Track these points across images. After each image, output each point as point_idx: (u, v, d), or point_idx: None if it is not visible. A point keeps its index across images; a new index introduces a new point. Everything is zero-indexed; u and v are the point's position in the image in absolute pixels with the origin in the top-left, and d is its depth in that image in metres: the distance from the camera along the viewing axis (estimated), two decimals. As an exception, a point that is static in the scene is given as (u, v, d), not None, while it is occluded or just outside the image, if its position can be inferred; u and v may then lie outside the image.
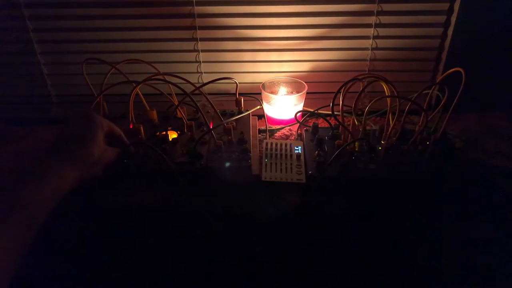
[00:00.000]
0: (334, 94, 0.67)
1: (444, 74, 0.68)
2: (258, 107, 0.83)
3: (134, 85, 0.67)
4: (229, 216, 0.64)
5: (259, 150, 0.74)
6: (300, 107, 0.85)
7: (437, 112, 0.69)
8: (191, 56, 0.91)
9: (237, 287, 0.64)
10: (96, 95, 0.71)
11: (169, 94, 0.77)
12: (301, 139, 0.77)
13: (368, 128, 0.75)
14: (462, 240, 0.62)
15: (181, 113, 0.75)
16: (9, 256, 0.38)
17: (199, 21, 0.87)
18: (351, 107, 0.66)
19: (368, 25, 0.87)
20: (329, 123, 0.77)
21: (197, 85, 0.69)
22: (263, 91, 0.84)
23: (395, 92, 0.66)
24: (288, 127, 0.85)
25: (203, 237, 0.64)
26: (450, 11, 0.84)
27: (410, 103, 0.65)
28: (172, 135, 0.73)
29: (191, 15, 0.86)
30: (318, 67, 0.93)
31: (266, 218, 0.64)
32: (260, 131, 0.82)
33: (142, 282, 0.63)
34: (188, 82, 0.70)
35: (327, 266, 0.64)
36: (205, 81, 0.78)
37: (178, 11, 0.86)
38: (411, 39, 0.88)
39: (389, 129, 0.67)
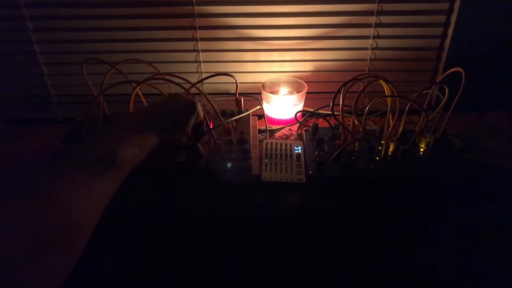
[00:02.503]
0: (334, 94, 0.67)
1: (444, 74, 0.68)
2: (258, 107, 0.83)
3: (134, 85, 0.67)
4: (229, 216, 0.64)
5: (259, 150, 0.74)
6: (300, 107, 0.85)
7: (437, 112, 0.69)
8: (191, 56, 0.91)
9: (236, 287, 0.64)
10: (96, 95, 0.71)
11: (169, 95, 0.77)
12: (301, 139, 0.77)
13: (368, 128, 0.75)
14: (462, 240, 0.62)
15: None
16: (99, 205, 0.40)
17: (199, 21, 0.87)
18: (351, 107, 0.66)
19: (368, 25, 0.87)
20: (329, 123, 0.77)
21: (197, 85, 0.69)
22: (263, 91, 0.84)
23: (395, 92, 0.66)
24: (288, 127, 0.85)
25: (203, 237, 0.64)
26: (450, 11, 0.84)
27: (410, 103, 0.65)
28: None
29: (191, 15, 0.86)
30: (318, 67, 0.93)
31: (266, 218, 0.64)
32: (260, 131, 0.82)
33: (141, 282, 0.63)
34: (188, 82, 0.70)
35: (327, 266, 0.64)
36: (205, 81, 0.78)
37: (178, 11, 0.86)
38: (411, 39, 0.88)
39: (389, 129, 0.67)
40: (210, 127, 0.68)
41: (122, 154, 0.43)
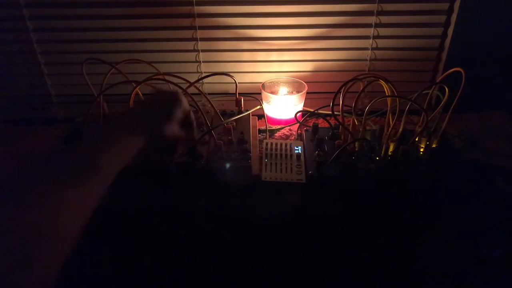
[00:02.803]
0: (334, 94, 0.67)
1: (444, 74, 0.68)
2: (258, 107, 0.83)
3: (134, 85, 0.67)
4: (229, 216, 0.64)
5: (259, 150, 0.74)
6: (300, 107, 0.85)
7: (437, 112, 0.69)
8: (191, 56, 0.91)
9: (236, 287, 0.64)
10: (96, 95, 0.71)
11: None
12: (301, 139, 0.77)
13: (368, 128, 0.75)
14: (462, 239, 0.62)
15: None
16: (79, 216, 0.38)
17: (199, 21, 0.87)
18: (351, 107, 0.66)
19: (368, 25, 0.87)
20: (329, 123, 0.77)
21: (197, 85, 0.69)
22: (263, 91, 0.84)
23: (395, 92, 0.66)
24: (288, 127, 0.85)
25: (203, 237, 0.64)
26: (450, 11, 0.84)
27: (410, 103, 0.65)
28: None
29: (191, 15, 0.86)
30: (318, 67, 0.93)
31: (266, 218, 0.64)
32: (260, 131, 0.82)
33: (141, 283, 0.63)
34: (188, 82, 0.70)
35: (327, 266, 0.64)
36: (205, 81, 0.78)
37: (178, 11, 0.86)
38: (411, 39, 0.88)
39: (389, 129, 0.67)
40: (210, 127, 0.68)
41: (104, 157, 0.43)
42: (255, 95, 0.86)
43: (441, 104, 0.68)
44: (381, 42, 0.89)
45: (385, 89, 0.67)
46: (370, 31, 0.87)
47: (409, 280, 0.61)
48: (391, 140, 0.67)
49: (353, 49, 0.90)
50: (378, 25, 0.87)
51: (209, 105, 0.70)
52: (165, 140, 0.54)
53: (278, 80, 0.89)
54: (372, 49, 0.90)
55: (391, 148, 0.67)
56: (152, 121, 0.52)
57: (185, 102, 0.58)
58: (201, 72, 0.93)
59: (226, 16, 0.86)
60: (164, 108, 0.55)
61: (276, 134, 0.83)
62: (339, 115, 0.68)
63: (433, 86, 0.74)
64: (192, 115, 0.62)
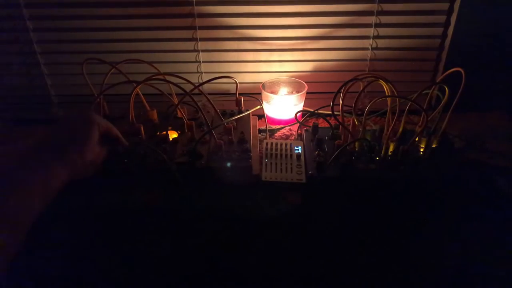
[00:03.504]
0: (334, 94, 0.67)
1: (444, 74, 0.68)
2: (258, 107, 0.83)
3: (134, 85, 0.67)
4: (229, 216, 0.64)
5: (259, 150, 0.74)
6: (300, 107, 0.85)
7: (437, 112, 0.69)
8: (191, 56, 0.91)
9: (236, 287, 0.64)
10: (96, 95, 0.71)
11: (169, 94, 0.77)
12: (301, 139, 0.77)
13: (368, 128, 0.75)
14: (462, 240, 0.62)
15: (181, 113, 0.75)
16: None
17: (199, 21, 0.87)
18: (351, 107, 0.66)
19: (368, 25, 0.87)
20: (329, 123, 0.77)
21: (197, 85, 0.69)
22: (263, 91, 0.84)
23: (395, 92, 0.66)
24: (288, 127, 0.85)
25: (203, 238, 0.64)
26: (450, 11, 0.84)
27: (410, 103, 0.65)
28: (173, 135, 0.73)
29: (191, 15, 0.86)
30: (318, 67, 0.93)
31: (266, 218, 0.64)
32: (260, 131, 0.82)
33: (141, 283, 0.63)
34: (189, 82, 0.71)
35: (327, 266, 0.64)
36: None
37: (178, 11, 0.86)
38: (411, 39, 0.88)
39: (389, 129, 0.67)
40: (210, 126, 0.68)
41: (15, 215, 0.39)
42: (255, 95, 0.86)
43: (441, 104, 0.68)
44: (381, 42, 0.89)
45: (385, 89, 0.67)
46: (370, 31, 0.87)
47: (409, 280, 0.61)
48: (391, 140, 0.67)
49: (353, 49, 0.90)
50: (378, 25, 0.87)
51: (210, 105, 0.70)
52: (88, 165, 0.51)
53: (278, 80, 0.89)
54: (372, 49, 0.90)
55: (391, 148, 0.67)
56: (70, 150, 0.49)
57: (98, 119, 0.55)
58: (201, 72, 0.93)
59: (226, 16, 0.86)
60: (78, 133, 0.52)
61: (276, 134, 0.83)
62: (339, 115, 0.68)
63: (433, 86, 0.74)
64: (111, 127, 0.58)
